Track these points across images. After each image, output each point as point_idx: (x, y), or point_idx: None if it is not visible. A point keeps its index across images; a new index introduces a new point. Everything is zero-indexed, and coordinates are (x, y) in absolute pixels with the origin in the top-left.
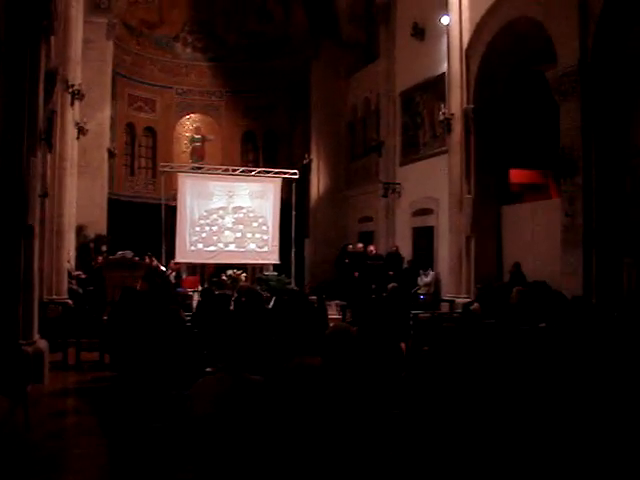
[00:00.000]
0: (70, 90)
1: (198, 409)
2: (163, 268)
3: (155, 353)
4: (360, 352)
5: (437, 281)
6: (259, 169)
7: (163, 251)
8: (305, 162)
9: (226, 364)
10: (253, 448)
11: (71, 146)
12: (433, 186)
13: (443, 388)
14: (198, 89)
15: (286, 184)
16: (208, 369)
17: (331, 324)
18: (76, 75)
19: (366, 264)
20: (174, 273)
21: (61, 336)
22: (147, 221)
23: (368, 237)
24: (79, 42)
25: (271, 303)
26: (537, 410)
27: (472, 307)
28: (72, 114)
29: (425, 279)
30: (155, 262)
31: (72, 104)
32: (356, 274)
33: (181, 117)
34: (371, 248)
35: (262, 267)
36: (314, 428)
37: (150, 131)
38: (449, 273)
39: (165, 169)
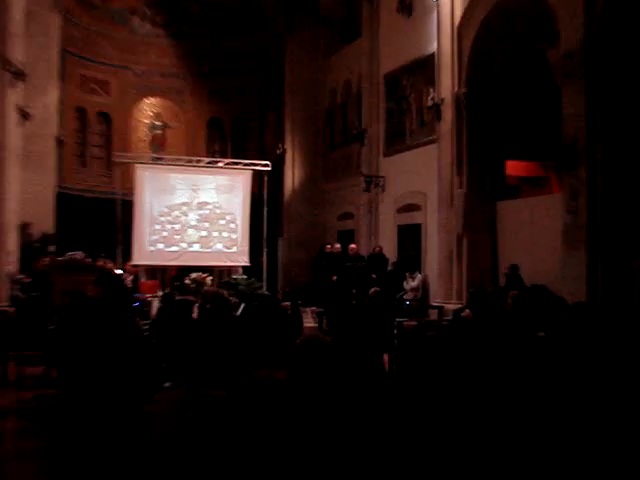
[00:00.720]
0: (10, 69)
1: (155, 428)
2: (118, 271)
3: (108, 367)
4: (334, 365)
5: (425, 285)
6: (227, 160)
7: (119, 252)
8: (278, 153)
9: (187, 378)
10: (214, 470)
11: (12, 133)
12: (421, 179)
13: (428, 405)
14: (158, 70)
15: (257, 177)
16: (167, 384)
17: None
18: (17, 52)
19: (346, 266)
20: (131, 277)
21: (0, 348)
22: (100, 218)
23: (348, 236)
24: (20, 14)
25: (239, 310)
26: (533, 428)
27: (463, 314)
28: (13, 97)
29: (412, 283)
30: (109, 264)
31: (13, 85)
32: (334, 278)
33: (139, 101)
34: (352, 246)
35: (230, 270)
36: (279, 448)
37: (104, 117)
38: (438, 276)
39: (121, 159)
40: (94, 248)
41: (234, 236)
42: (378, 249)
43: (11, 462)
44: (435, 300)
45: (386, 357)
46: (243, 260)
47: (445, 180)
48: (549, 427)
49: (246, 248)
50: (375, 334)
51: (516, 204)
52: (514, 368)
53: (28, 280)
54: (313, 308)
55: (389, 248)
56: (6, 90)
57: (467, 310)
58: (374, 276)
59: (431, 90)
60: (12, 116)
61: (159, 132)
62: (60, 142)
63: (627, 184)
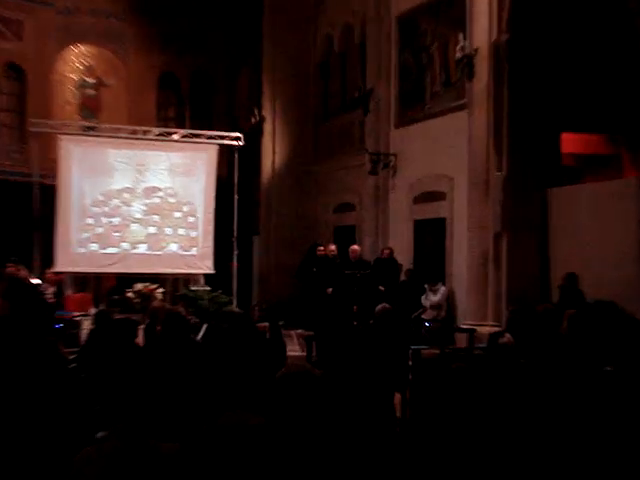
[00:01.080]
0: None
1: None
2: (35, 281)
3: (19, 410)
4: (326, 407)
5: (450, 301)
6: (184, 131)
7: (36, 255)
8: (254, 122)
9: (127, 426)
10: None
11: None
12: (446, 158)
13: (452, 460)
14: (89, 6)
15: (225, 155)
16: (100, 434)
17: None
18: None
19: (344, 275)
20: (53, 288)
21: None
22: (11, 209)
23: (348, 234)
24: None
25: (201, 333)
26: None
27: (502, 339)
28: None
29: (432, 298)
30: (22, 272)
31: None
32: (329, 290)
33: (64, 49)
34: (354, 247)
35: (188, 279)
36: None
37: (15, 70)
38: (468, 289)
39: (39, 129)
40: (2, 249)
41: (194, 234)
42: (387, 252)
43: None
44: (464, 321)
45: (398, 397)
46: (206, 266)
47: (479, 159)
48: None
49: (210, 250)
50: (383, 366)
51: (575, 192)
52: (571, 414)
53: None
54: (300, 331)
55: (402, 251)
56: None
57: (507, 335)
58: (382, 288)
59: (461, 37)
60: None
61: (92, 92)
62: None
63: None
